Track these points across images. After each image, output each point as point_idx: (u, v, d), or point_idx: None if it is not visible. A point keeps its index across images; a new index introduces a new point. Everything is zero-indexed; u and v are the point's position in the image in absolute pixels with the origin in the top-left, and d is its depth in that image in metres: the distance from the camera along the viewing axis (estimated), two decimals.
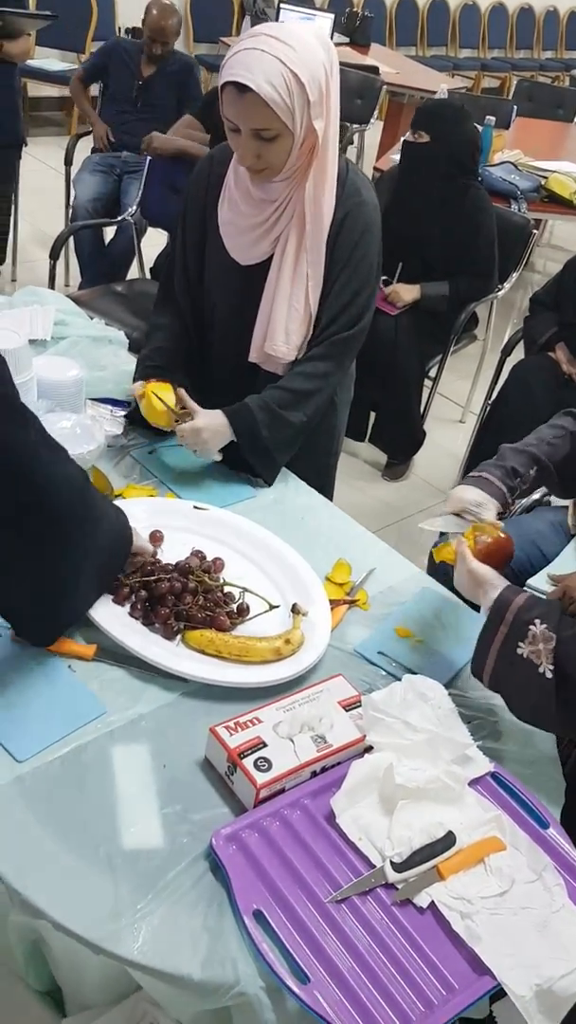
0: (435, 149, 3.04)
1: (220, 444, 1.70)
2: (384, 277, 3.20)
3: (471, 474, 1.54)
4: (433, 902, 1.06)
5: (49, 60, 5.84)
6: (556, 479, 1.61)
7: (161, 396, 1.69)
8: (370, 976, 0.98)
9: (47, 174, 5.13)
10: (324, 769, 1.19)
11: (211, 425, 1.68)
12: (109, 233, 3.98)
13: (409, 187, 3.14)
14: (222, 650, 1.34)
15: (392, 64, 5.87)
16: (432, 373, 3.42)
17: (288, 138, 1.50)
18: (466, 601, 1.56)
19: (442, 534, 1.60)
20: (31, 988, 1.24)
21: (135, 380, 1.78)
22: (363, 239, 1.67)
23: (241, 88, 1.44)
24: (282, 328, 1.70)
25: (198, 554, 1.50)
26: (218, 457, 1.72)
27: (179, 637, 1.37)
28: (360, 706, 1.26)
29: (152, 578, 1.39)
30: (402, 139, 3.20)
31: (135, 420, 1.79)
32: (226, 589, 1.45)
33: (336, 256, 1.66)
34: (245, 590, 1.45)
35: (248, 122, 1.48)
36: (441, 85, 4.94)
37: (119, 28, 6.10)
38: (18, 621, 1.25)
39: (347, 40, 6.18)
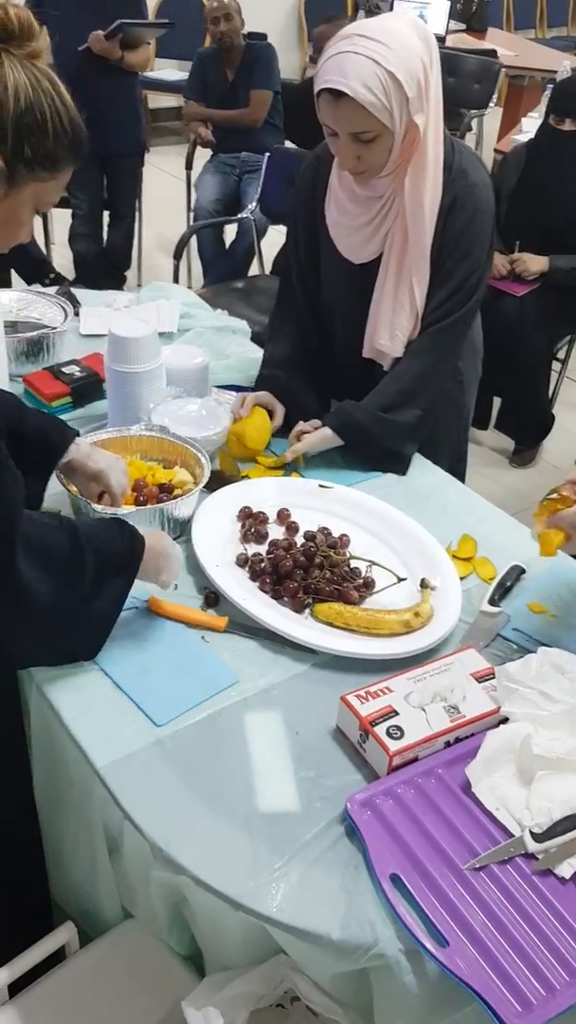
0: None
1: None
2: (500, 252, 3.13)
3: None
4: None
5: (167, 71, 6.00)
6: None
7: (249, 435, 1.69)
8: (511, 942, 0.96)
9: (169, 182, 5.27)
10: (458, 740, 1.17)
11: (325, 437, 1.69)
12: (230, 236, 4.04)
13: (553, 174, 3.00)
14: (351, 622, 1.35)
15: (510, 47, 5.73)
16: (560, 355, 3.32)
17: (388, 137, 1.48)
18: None
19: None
20: (173, 952, 1.27)
21: (256, 388, 1.81)
22: (473, 221, 1.61)
23: (336, 94, 1.42)
24: (387, 324, 1.69)
25: (324, 531, 1.51)
26: None
27: (308, 610, 1.38)
28: (493, 678, 1.24)
29: (277, 553, 1.41)
30: (542, 124, 3.04)
31: None
32: (352, 564, 1.45)
33: (445, 241, 1.62)
34: (372, 563, 1.45)
35: (346, 127, 1.46)
36: (564, 63, 4.77)
37: None
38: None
39: (463, 27, 6.09)
